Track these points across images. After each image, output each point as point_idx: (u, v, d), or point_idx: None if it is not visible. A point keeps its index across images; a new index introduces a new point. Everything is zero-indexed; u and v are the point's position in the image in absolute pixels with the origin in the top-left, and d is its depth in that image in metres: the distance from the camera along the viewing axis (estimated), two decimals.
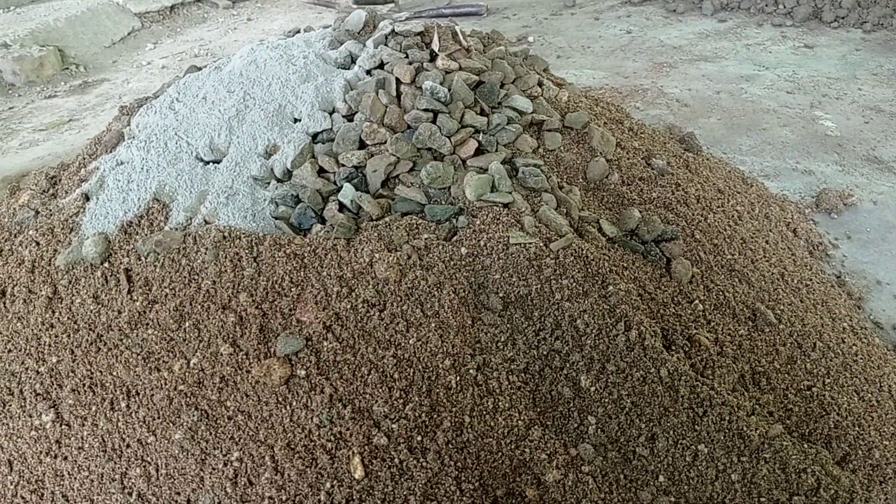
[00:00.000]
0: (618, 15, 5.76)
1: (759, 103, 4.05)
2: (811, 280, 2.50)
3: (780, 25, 5.27)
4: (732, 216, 2.58)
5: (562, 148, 2.42)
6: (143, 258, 2.06)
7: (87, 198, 2.32)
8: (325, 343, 1.81)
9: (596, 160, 2.40)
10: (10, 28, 5.52)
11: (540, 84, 2.55)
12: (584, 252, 2.02)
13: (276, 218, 2.08)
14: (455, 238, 2.02)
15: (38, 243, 2.25)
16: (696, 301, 2.17)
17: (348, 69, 2.43)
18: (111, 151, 2.48)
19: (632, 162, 2.50)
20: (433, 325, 1.85)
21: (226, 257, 1.97)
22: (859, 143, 3.59)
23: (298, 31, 2.73)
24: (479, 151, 2.25)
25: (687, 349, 2.03)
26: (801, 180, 3.31)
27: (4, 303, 2.15)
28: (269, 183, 2.17)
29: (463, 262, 1.97)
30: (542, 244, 2.01)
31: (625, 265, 2.16)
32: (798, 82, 4.33)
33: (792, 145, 3.60)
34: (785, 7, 5.42)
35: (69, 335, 1.98)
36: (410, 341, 1.82)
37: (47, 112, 4.80)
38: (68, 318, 2.02)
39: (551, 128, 2.42)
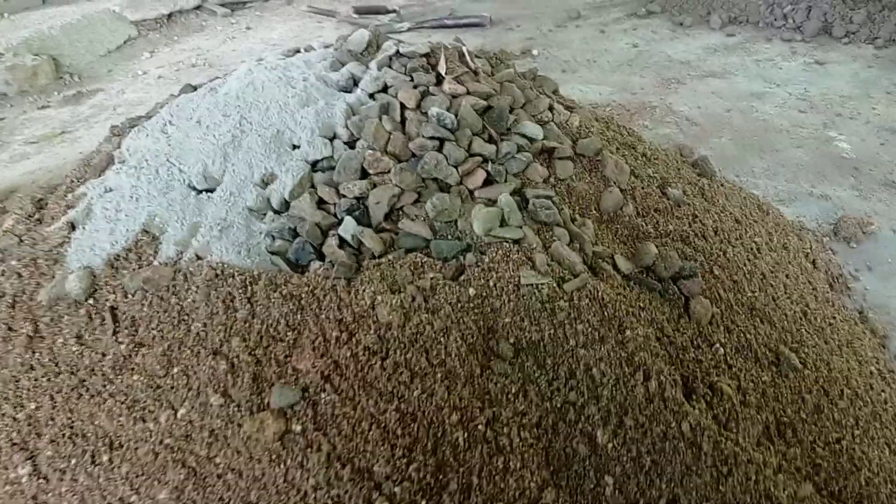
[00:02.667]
0: (623, 28, 5.65)
1: (770, 122, 3.94)
2: (834, 318, 2.39)
3: (790, 40, 5.16)
4: (751, 249, 2.46)
5: (574, 177, 2.30)
6: (130, 295, 1.93)
7: (72, 227, 2.19)
8: (323, 395, 1.68)
9: (610, 190, 2.28)
10: (4, 36, 5.39)
11: (550, 108, 2.43)
12: (599, 293, 1.90)
13: (273, 253, 1.96)
14: (462, 277, 1.90)
15: (20, 275, 2.12)
16: (717, 344, 2.05)
17: (350, 92, 2.30)
18: (100, 176, 2.36)
19: (647, 191, 2.37)
20: (439, 374, 1.72)
21: (218, 297, 1.84)
22: (876, 166, 3.48)
23: (298, 51, 2.60)
24: (488, 182, 2.12)
25: (708, 398, 1.90)
26: (818, 206, 3.20)
27: None
28: (265, 214, 2.05)
29: (471, 305, 1.85)
30: (555, 285, 1.89)
31: (641, 305, 2.03)
32: (810, 100, 4.22)
33: (806, 168, 3.49)
34: (794, 22, 5.31)
35: (49, 379, 1.85)
36: (415, 393, 1.70)
37: (40, 123, 4.67)
38: (49, 359, 1.89)
39: (563, 155, 2.30)
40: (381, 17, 6.48)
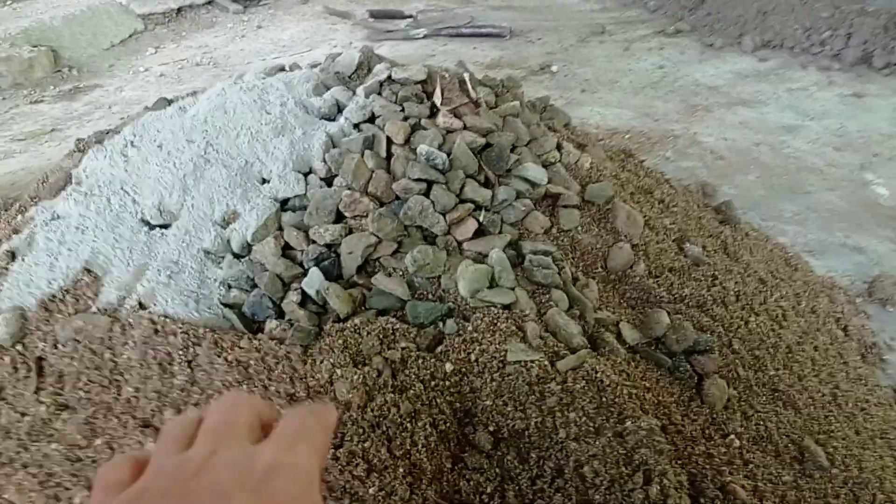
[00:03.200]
0: (650, 46, 5.35)
1: (802, 160, 3.64)
2: (867, 401, 2.10)
3: (827, 69, 4.85)
4: (776, 316, 2.17)
5: (580, 228, 2.03)
6: (60, 346, 1.69)
7: (13, 256, 1.95)
8: None
9: (620, 246, 2.01)
10: (2, 25, 5.20)
11: (559, 147, 2.16)
12: (598, 375, 1.63)
13: (226, 305, 1.71)
14: (440, 349, 1.64)
15: None
16: (732, 435, 1.78)
17: (333, 121, 2.05)
18: (54, 197, 2.12)
19: (661, 247, 2.10)
20: (401, 469, 1.46)
21: (154, 358, 1.59)
22: None
23: (283, 69, 2.35)
24: (480, 232, 1.86)
25: (719, 503, 1.63)
26: (851, 259, 2.90)
27: None
28: (223, 258, 1.80)
29: (447, 383, 1.59)
30: (546, 363, 1.62)
31: (647, 385, 1.76)
32: (846, 137, 3.91)
33: (840, 214, 3.19)
34: (832, 49, 4.99)
35: None
36: (370, 490, 1.44)
37: (30, 119, 4.47)
38: None
39: (569, 203, 2.03)
40: (397, 21, 6.23)
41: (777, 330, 2.11)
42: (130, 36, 5.87)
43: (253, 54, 5.57)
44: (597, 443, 1.55)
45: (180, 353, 1.58)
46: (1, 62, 4.80)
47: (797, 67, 4.89)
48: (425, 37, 5.76)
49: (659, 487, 1.53)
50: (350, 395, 1.50)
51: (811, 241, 2.99)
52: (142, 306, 1.72)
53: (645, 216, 2.15)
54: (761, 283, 2.28)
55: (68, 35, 5.36)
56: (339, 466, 1.45)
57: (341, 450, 1.46)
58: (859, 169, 3.58)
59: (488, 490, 1.50)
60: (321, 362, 1.55)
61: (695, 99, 4.34)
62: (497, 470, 1.53)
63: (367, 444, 1.47)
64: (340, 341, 1.59)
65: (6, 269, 1.92)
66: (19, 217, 2.15)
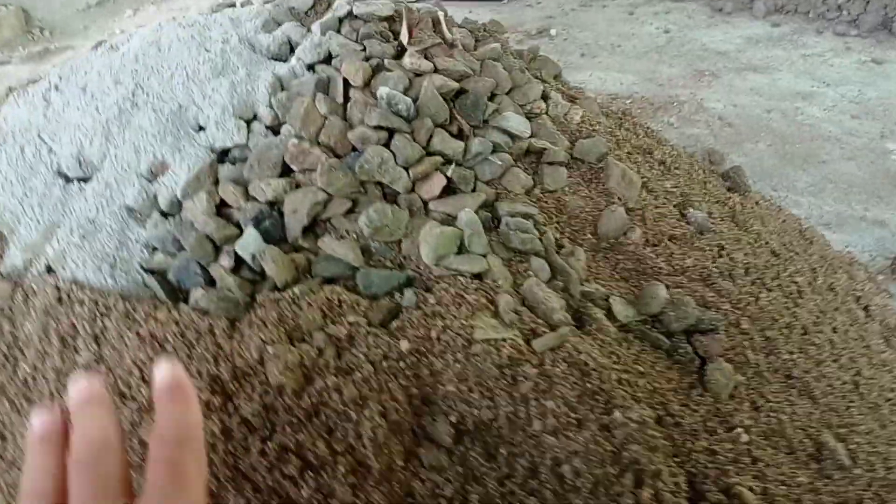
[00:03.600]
0: (655, 10, 5.04)
1: (817, 128, 3.36)
2: (893, 390, 1.84)
3: (844, 35, 4.54)
4: (790, 293, 1.91)
5: (567, 188, 1.76)
6: None
7: None
8: None
9: (612, 209, 1.74)
10: None
11: (545, 97, 1.89)
12: (581, 357, 1.37)
13: (148, 271, 1.45)
14: (395, 324, 1.38)
15: None
16: (739, 429, 1.52)
17: (284, 62, 1.78)
18: None
19: (661, 212, 1.83)
20: (343, 467, 1.21)
21: (56, 331, 1.34)
22: None
23: (233, 5, 2.08)
24: (449, 190, 1.60)
25: None
26: (871, 234, 2.63)
27: None
28: (148, 217, 1.54)
29: (401, 365, 1.33)
30: (521, 342, 1.36)
31: (640, 369, 1.51)
32: (865, 105, 3.62)
33: (859, 185, 2.92)
34: (850, 14, 4.68)
35: None
36: (304, 493, 1.19)
37: None
38: None
39: (554, 160, 1.77)
40: None
41: (791, 308, 1.85)
42: None
43: None
44: (579, 437, 1.30)
45: (86, 325, 1.33)
46: None
47: (812, 33, 4.59)
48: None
49: (652, 491, 1.28)
50: (283, 378, 1.25)
51: (827, 213, 2.72)
52: (50, 271, 1.46)
53: (643, 177, 1.88)
54: (774, 255, 2.02)
55: None
56: (268, 463, 1.20)
57: (270, 443, 1.21)
58: (879, 138, 3.30)
59: (447, 493, 1.25)
60: (250, 338, 1.30)
61: (702, 64, 4.05)
62: (459, 468, 1.28)
63: (301, 437, 1.22)
64: (275, 314, 1.33)
65: None
66: None
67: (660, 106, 3.43)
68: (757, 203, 2.35)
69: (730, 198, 2.14)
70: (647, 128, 2.30)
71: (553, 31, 4.54)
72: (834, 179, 2.94)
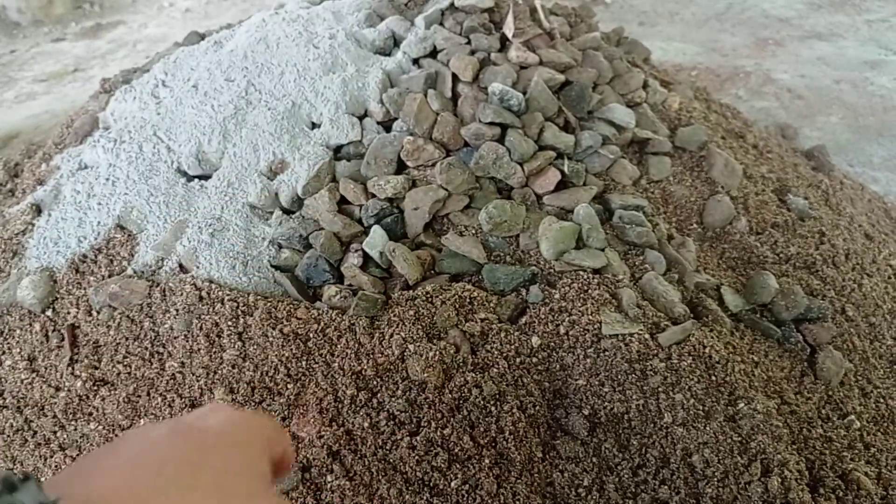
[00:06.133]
0: None
1: (889, 99, 3.30)
2: None
3: None
4: (888, 277, 1.92)
5: (671, 178, 1.78)
6: (95, 312, 1.51)
7: (38, 210, 1.76)
8: (330, 478, 1.24)
9: (717, 199, 1.76)
10: None
11: (645, 86, 1.89)
12: (706, 351, 1.41)
13: (277, 268, 1.50)
14: (523, 320, 1.42)
15: None
16: (852, 416, 1.56)
17: (389, 55, 1.80)
18: (80, 144, 1.92)
19: (762, 199, 1.84)
20: (488, 459, 1.27)
21: (201, 329, 1.40)
22: None
23: None
24: (562, 184, 1.62)
25: (840, 494, 1.42)
26: None
27: None
28: (270, 213, 1.59)
29: (534, 361, 1.38)
30: (647, 336, 1.40)
31: (755, 359, 1.54)
32: None
33: None
34: None
35: None
36: (453, 484, 1.25)
37: (52, 59, 4.25)
38: None
39: (659, 150, 1.78)
40: None
41: (892, 293, 1.86)
42: None
43: None
44: (707, 428, 1.34)
45: (230, 323, 1.39)
46: None
47: None
48: None
49: (780, 479, 1.32)
50: (426, 375, 1.30)
51: None
52: (182, 269, 1.52)
53: (741, 164, 1.89)
54: (868, 238, 2.02)
55: None
56: (417, 456, 1.26)
57: (419, 436, 1.27)
58: None
59: (585, 482, 1.31)
60: (391, 336, 1.34)
61: (765, 32, 3.97)
62: (594, 459, 1.33)
63: (446, 431, 1.28)
64: (412, 312, 1.37)
65: (32, 224, 1.74)
66: (44, 166, 1.96)
67: (727, 78, 3.38)
68: (842, 183, 2.34)
69: (822, 180, 2.13)
70: (734, 109, 2.29)
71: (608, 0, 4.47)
72: None
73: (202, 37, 2.18)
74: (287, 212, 1.59)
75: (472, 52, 1.72)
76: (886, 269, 1.95)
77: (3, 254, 1.71)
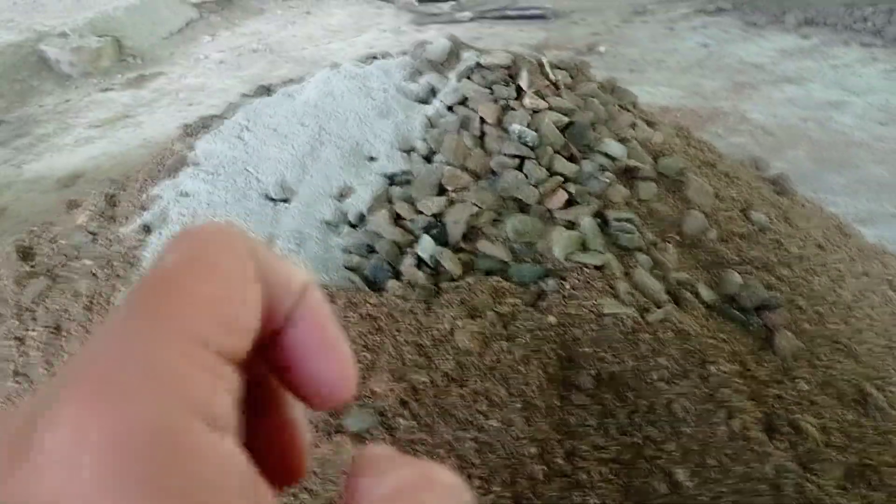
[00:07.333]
0: (693, 25, 5.48)
1: (849, 135, 3.78)
2: None
3: (869, 45, 4.95)
4: (834, 277, 2.36)
5: (655, 198, 2.22)
6: None
7: (147, 230, 2.20)
8: (401, 420, 1.66)
9: (693, 214, 2.20)
10: (69, 16, 5.47)
11: (633, 125, 2.35)
12: (683, 326, 1.84)
13: (349, 268, 1.94)
14: (542, 304, 1.86)
15: (94, 275, 2.14)
16: (800, 380, 1.98)
17: (428, 103, 2.26)
18: (173, 177, 2.36)
19: (729, 215, 2.29)
20: (518, 405, 1.69)
21: None
22: None
23: (375, 58, 2.57)
24: (569, 202, 2.07)
25: (791, 437, 1.83)
26: None
27: (60, 340, 2.05)
28: (339, 228, 2.03)
29: (551, 333, 1.81)
30: (637, 316, 1.83)
31: (724, 337, 1.96)
32: (891, 112, 4.04)
33: (889, 186, 3.34)
34: (874, 25, 5.08)
35: None
36: (492, 423, 1.67)
37: (103, 107, 4.74)
38: None
39: (645, 176, 2.23)
40: (440, 4, 6.40)
41: (836, 290, 2.29)
42: (186, 25, 6.11)
43: (305, 40, 5.79)
44: (684, 384, 1.76)
45: None
46: (71, 52, 5.07)
47: (839, 44, 5.00)
48: (471, 20, 5.93)
49: (740, 422, 1.74)
50: (470, 343, 1.73)
51: (861, 211, 3.15)
52: None
53: (713, 187, 2.34)
54: (819, 247, 2.47)
55: (130, 24, 5.62)
56: (465, 404, 1.68)
57: (466, 388, 1.69)
58: None
59: (592, 423, 1.72)
60: (443, 315, 1.78)
61: (741, 77, 4.49)
62: (599, 407, 1.75)
63: (487, 385, 1.70)
64: (458, 297, 1.81)
65: (143, 241, 2.17)
66: (143, 196, 2.40)
67: (707, 118, 3.86)
68: (802, 205, 2.80)
69: (781, 201, 2.59)
70: (709, 144, 2.75)
71: (602, 48, 4.99)
72: (866, 182, 3.35)
73: (267, 89, 2.65)
74: (353, 226, 2.03)
75: (495, 101, 2.19)
76: (834, 272, 2.39)
77: (122, 264, 2.14)
